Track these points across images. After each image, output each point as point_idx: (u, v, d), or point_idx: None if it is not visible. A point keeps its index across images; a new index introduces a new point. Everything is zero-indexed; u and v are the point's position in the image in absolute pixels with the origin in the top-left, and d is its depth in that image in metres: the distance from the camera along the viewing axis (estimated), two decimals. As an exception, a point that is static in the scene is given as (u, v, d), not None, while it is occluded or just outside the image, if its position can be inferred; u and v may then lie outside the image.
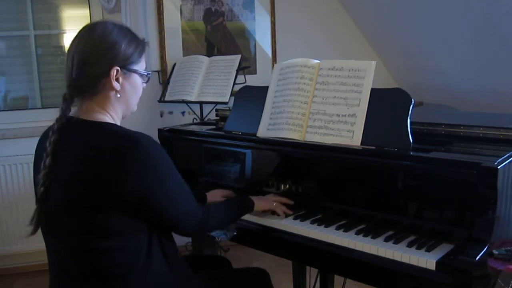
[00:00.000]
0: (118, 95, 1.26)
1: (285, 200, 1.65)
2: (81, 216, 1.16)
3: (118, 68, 1.24)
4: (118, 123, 1.30)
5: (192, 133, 2.08)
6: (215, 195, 1.75)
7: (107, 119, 1.26)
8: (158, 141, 2.12)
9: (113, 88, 1.25)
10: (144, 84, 1.36)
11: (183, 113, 3.30)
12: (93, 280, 1.20)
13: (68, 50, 1.26)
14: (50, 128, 1.26)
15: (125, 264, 1.20)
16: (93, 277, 1.20)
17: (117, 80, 1.24)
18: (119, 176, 1.13)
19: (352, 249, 1.40)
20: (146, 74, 1.33)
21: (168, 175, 1.22)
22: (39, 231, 1.24)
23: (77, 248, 1.19)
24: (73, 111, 1.26)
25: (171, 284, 1.29)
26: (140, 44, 1.31)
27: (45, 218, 1.21)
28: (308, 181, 1.67)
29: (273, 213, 1.64)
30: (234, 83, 2.68)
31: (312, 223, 1.55)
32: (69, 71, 1.24)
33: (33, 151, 1.32)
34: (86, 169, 1.15)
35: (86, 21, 3.26)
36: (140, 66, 1.31)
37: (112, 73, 1.23)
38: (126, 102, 1.31)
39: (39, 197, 1.19)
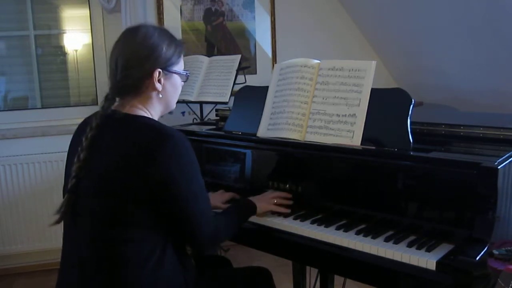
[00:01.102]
0: (160, 95, 1.33)
1: (283, 194, 1.65)
2: (109, 205, 1.20)
3: (160, 70, 1.30)
4: (156, 119, 1.35)
5: (192, 133, 2.08)
6: (215, 199, 1.73)
7: (146, 115, 1.32)
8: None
9: (155, 89, 1.31)
10: (183, 83, 1.42)
11: (183, 113, 3.30)
12: (108, 271, 1.23)
13: (112, 53, 1.31)
14: (86, 122, 1.31)
15: (141, 258, 1.22)
16: (108, 268, 1.22)
17: (159, 81, 1.31)
18: (149, 168, 1.18)
19: (352, 249, 1.40)
20: (185, 74, 1.40)
21: (194, 176, 1.26)
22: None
23: (98, 237, 1.23)
24: (114, 106, 1.32)
25: (180, 283, 1.31)
26: (178, 45, 1.36)
27: (73, 208, 1.24)
28: (308, 181, 1.67)
29: (273, 212, 1.64)
30: (234, 83, 2.68)
31: (312, 223, 1.55)
32: (113, 73, 1.29)
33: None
34: (120, 160, 1.20)
35: (86, 21, 3.27)
36: (179, 67, 1.37)
37: (154, 75, 1.29)
38: (167, 101, 1.37)
39: (70, 188, 1.23)
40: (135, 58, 1.28)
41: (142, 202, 1.20)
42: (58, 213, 1.25)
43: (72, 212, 1.25)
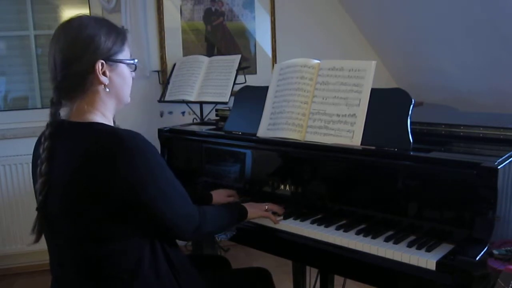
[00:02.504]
0: (107, 89, 1.22)
1: (276, 208, 1.62)
2: (80, 222, 1.14)
3: (103, 61, 1.19)
4: (111, 119, 1.27)
5: (192, 133, 2.08)
6: (220, 194, 1.75)
7: (98, 118, 1.22)
8: (159, 141, 2.12)
9: (101, 83, 1.20)
10: (133, 73, 1.31)
11: (183, 113, 3.30)
12: (97, 285, 1.19)
13: (49, 52, 1.20)
14: (42, 134, 1.24)
15: (129, 269, 1.18)
16: (97, 282, 1.19)
17: (103, 73, 1.20)
18: (110, 176, 1.10)
19: (352, 249, 1.40)
20: (132, 62, 1.28)
21: (159, 172, 1.17)
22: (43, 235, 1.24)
23: (79, 254, 1.18)
24: (64, 114, 1.23)
25: (174, 285, 1.28)
26: (120, 32, 1.25)
27: (46, 226, 1.20)
28: (308, 181, 1.67)
29: (274, 212, 1.63)
30: (234, 83, 2.68)
31: (312, 223, 1.55)
32: (53, 74, 1.19)
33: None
34: (79, 172, 1.13)
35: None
36: (125, 55, 1.26)
37: (97, 68, 1.18)
38: (117, 95, 1.26)
39: (38, 206, 1.17)
40: (72, 52, 1.17)
41: (113, 214, 1.13)
42: (33, 233, 1.19)
43: (48, 229, 1.20)
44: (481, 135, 1.58)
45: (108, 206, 1.12)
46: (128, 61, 1.27)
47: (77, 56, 1.17)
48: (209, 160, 2.00)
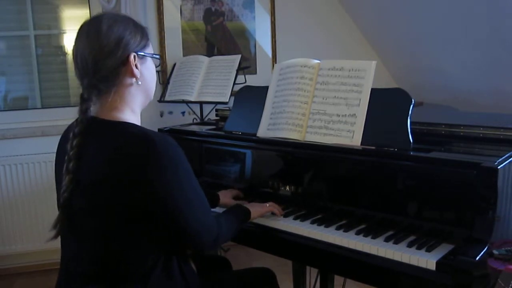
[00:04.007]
0: (139, 82, 1.25)
1: (276, 207, 1.63)
2: (104, 220, 1.16)
3: (135, 54, 1.23)
4: (139, 117, 1.29)
5: (192, 133, 2.08)
6: (226, 195, 1.75)
7: (128, 116, 1.25)
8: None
9: (133, 76, 1.23)
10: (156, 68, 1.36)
11: (183, 113, 3.30)
12: (110, 284, 1.19)
13: (76, 51, 1.22)
14: (69, 129, 1.24)
15: (141, 273, 1.19)
16: (110, 281, 1.19)
17: (135, 66, 1.24)
18: (138, 179, 1.12)
19: (352, 249, 1.40)
20: (157, 57, 1.33)
21: (187, 181, 1.19)
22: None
23: (96, 251, 1.19)
24: (93, 111, 1.23)
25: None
26: (143, 28, 1.30)
27: (69, 224, 1.20)
28: (308, 181, 1.67)
29: (272, 213, 1.64)
30: (234, 83, 2.68)
31: (312, 223, 1.55)
32: (85, 70, 1.20)
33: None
34: (108, 173, 1.14)
35: (86, 21, 3.26)
36: (150, 50, 1.31)
37: (131, 60, 1.22)
38: (146, 89, 1.30)
39: (63, 202, 1.17)
40: (105, 47, 1.18)
41: (138, 218, 1.15)
42: (54, 229, 1.20)
43: (69, 228, 1.21)
44: (481, 135, 1.58)
45: (134, 208, 1.14)
46: (154, 55, 1.31)
47: (111, 50, 1.19)
48: (209, 160, 2.00)
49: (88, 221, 1.18)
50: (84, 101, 1.20)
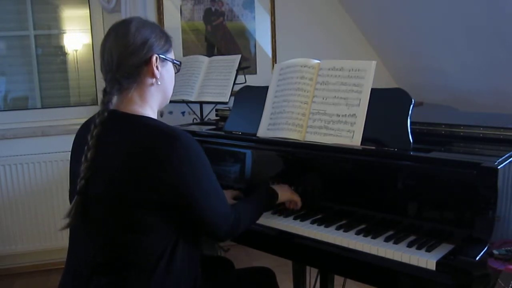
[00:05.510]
0: (159, 83, 1.32)
1: (298, 201, 1.66)
2: (119, 209, 1.19)
3: (157, 56, 1.30)
4: (156, 115, 1.35)
5: (192, 133, 2.08)
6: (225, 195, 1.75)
7: (147, 111, 1.31)
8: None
9: (153, 76, 1.30)
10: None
11: (183, 113, 3.30)
12: (117, 275, 1.22)
13: (103, 46, 1.30)
14: (91, 120, 1.30)
15: (152, 260, 1.22)
16: (118, 272, 1.22)
17: (156, 68, 1.31)
18: (158, 171, 1.17)
19: (352, 249, 1.40)
20: (178, 63, 1.41)
21: (205, 174, 1.26)
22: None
23: (108, 239, 1.22)
24: (114, 104, 1.30)
25: (190, 285, 1.31)
26: (168, 35, 1.38)
27: (83, 211, 1.23)
28: (308, 181, 1.67)
29: (274, 212, 1.64)
30: (234, 83, 2.68)
31: (312, 223, 1.55)
32: (109, 65, 1.28)
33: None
34: (127, 163, 1.19)
35: (86, 21, 3.27)
36: (172, 56, 1.39)
37: (153, 61, 1.29)
38: (165, 91, 1.37)
39: (79, 189, 1.21)
40: (132, 46, 1.27)
41: (153, 207, 1.19)
42: (68, 217, 1.22)
43: (82, 216, 1.23)
44: (481, 135, 1.58)
45: (151, 197, 1.18)
46: (175, 61, 1.39)
47: (136, 50, 1.27)
48: (209, 160, 1.99)
49: (102, 208, 1.21)
50: (106, 94, 1.28)
